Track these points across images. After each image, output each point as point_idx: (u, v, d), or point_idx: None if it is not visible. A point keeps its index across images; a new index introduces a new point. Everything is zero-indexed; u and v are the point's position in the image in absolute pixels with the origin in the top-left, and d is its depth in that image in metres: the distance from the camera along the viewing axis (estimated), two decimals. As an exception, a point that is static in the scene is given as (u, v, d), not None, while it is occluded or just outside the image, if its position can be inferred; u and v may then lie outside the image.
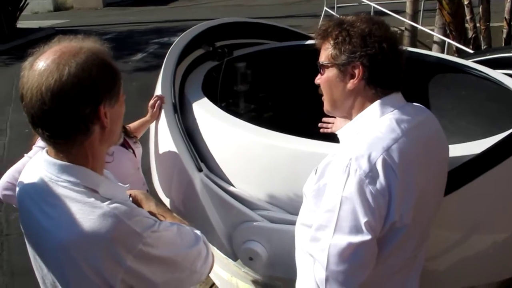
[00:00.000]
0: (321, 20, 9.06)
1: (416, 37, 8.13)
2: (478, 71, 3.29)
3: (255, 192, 2.13)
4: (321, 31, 1.48)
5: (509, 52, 3.34)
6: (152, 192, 2.36)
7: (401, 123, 1.36)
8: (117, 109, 1.21)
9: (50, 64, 1.08)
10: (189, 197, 2.23)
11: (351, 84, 1.42)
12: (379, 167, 1.25)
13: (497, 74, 3.17)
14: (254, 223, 2.00)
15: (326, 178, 1.34)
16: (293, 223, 1.96)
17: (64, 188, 1.13)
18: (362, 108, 1.45)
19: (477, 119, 3.32)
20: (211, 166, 2.25)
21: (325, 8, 8.80)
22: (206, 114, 2.35)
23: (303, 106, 3.45)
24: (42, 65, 1.09)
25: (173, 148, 2.22)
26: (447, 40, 6.47)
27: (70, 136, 1.13)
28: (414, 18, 7.96)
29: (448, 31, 6.82)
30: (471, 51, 5.89)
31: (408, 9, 7.88)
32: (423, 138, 1.41)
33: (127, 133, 2.31)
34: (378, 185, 1.23)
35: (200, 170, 2.15)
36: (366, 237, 1.23)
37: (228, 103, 3.43)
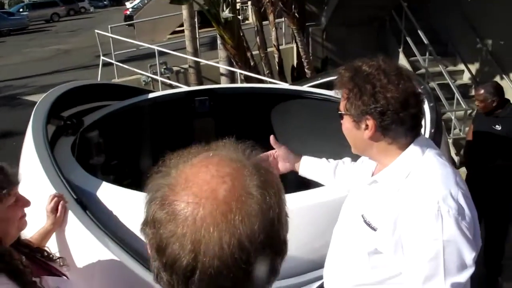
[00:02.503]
0: (100, 72, 8.61)
1: (200, 73, 8.46)
2: (318, 94, 3.60)
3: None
4: (338, 80, 1.47)
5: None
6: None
7: (441, 156, 1.39)
8: None
9: None
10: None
11: (366, 134, 1.42)
12: (462, 201, 1.28)
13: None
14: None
15: (401, 229, 1.31)
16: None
17: None
18: (387, 153, 1.44)
19: (327, 136, 3.64)
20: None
21: (101, 57, 8.41)
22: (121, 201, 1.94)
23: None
24: None
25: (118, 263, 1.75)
26: (242, 71, 6.89)
27: None
28: (195, 55, 8.27)
29: (234, 63, 7.32)
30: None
31: (189, 47, 8.15)
32: None
33: (45, 255, 1.68)
34: (467, 219, 1.27)
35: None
36: (472, 269, 1.27)
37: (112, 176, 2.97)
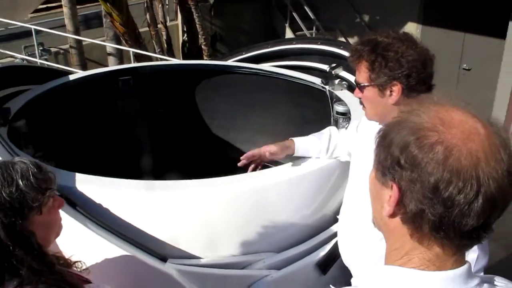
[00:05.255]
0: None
1: (83, 54, 7.84)
2: (245, 69, 3.61)
3: (220, 249, 1.83)
4: (355, 53, 1.58)
5: (265, 48, 3.76)
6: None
7: None
8: None
9: None
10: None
11: (392, 99, 1.56)
12: None
13: (267, 67, 3.58)
14: (268, 279, 1.73)
15: None
16: (296, 257, 1.85)
17: None
18: None
19: (255, 108, 3.68)
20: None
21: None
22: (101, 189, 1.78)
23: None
24: None
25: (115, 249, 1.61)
26: (131, 50, 6.55)
27: None
28: (77, 34, 7.63)
29: (124, 41, 6.94)
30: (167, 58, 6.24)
31: (69, 26, 7.47)
32: None
33: (61, 263, 1.45)
34: None
35: (164, 259, 1.66)
36: None
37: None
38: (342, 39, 8.32)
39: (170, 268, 1.62)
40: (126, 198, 1.74)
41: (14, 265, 1.11)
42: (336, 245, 1.88)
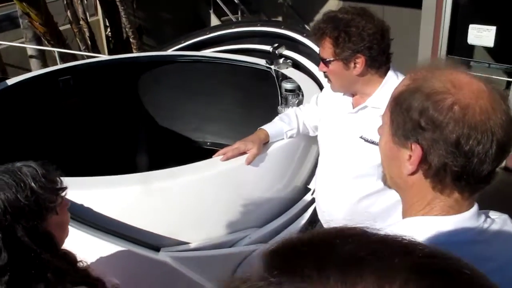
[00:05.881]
0: None
1: (1, 58, 7.36)
2: (186, 57, 3.61)
3: (205, 233, 1.89)
4: (318, 31, 1.68)
5: (204, 35, 3.77)
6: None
7: None
8: None
9: None
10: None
11: (356, 71, 1.68)
12: None
13: (208, 53, 3.61)
14: (257, 252, 1.81)
15: None
16: (278, 229, 1.95)
17: None
18: (369, 83, 1.72)
19: (200, 95, 3.69)
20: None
21: None
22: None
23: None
24: None
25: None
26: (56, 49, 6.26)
27: None
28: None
29: (45, 41, 6.62)
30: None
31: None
32: None
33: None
34: None
35: (157, 249, 1.69)
36: None
37: None
38: (267, 21, 8.47)
39: (164, 256, 1.65)
40: (107, 196, 1.74)
41: (39, 270, 1.11)
42: (314, 211, 2.00)
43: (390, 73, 1.73)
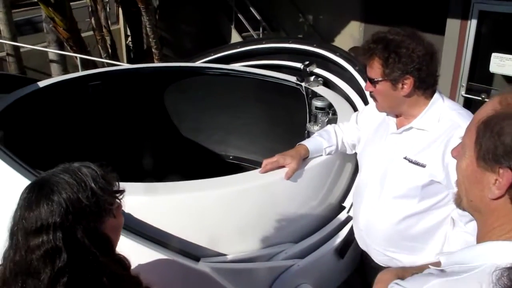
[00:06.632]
0: None
1: (22, 62, 7.44)
2: (215, 70, 3.63)
3: (242, 245, 1.88)
4: (367, 51, 1.70)
5: (235, 49, 3.80)
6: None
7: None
8: None
9: None
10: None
11: (404, 92, 1.70)
12: None
13: (237, 67, 3.62)
14: (295, 268, 1.80)
15: (449, 159, 1.60)
16: (312, 245, 1.94)
17: None
18: (415, 105, 1.73)
19: (226, 109, 3.70)
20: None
21: None
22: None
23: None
24: None
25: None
26: (78, 55, 6.32)
27: None
28: (14, 41, 7.23)
29: (68, 47, 6.69)
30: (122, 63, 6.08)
31: (5, 33, 7.07)
32: None
33: None
34: None
35: (197, 259, 1.68)
36: None
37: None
38: (287, 39, 8.53)
39: (204, 266, 1.64)
40: (150, 203, 1.74)
41: (96, 274, 1.09)
42: (351, 230, 1.99)
43: (436, 95, 1.73)
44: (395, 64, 1.65)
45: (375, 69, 1.70)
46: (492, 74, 5.78)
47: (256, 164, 3.69)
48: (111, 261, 1.15)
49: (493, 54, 5.45)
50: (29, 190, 1.11)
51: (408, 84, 1.67)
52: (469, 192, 0.93)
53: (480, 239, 0.91)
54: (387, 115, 1.85)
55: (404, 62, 1.64)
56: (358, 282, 2.18)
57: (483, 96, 5.56)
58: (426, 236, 1.74)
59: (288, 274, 1.79)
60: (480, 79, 5.94)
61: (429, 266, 0.95)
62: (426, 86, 1.70)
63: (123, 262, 1.20)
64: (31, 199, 1.08)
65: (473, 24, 5.67)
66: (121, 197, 1.21)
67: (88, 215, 1.10)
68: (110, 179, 1.18)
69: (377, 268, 1.86)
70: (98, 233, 1.12)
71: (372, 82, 1.73)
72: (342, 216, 2.11)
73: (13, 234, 1.10)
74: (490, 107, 0.89)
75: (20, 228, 1.08)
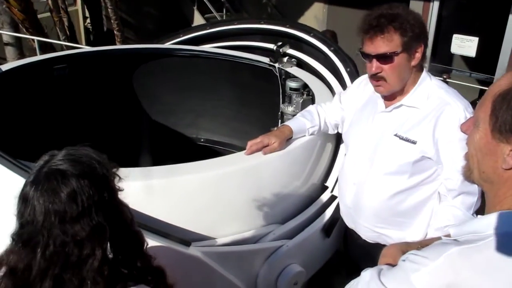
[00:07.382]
0: None
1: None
2: (186, 51, 3.55)
3: (230, 228, 1.87)
4: (377, 26, 1.65)
5: (205, 30, 3.72)
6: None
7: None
8: None
9: None
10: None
11: (414, 61, 1.71)
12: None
13: (208, 49, 3.56)
14: (284, 248, 1.80)
15: (439, 135, 1.67)
16: (299, 225, 1.95)
17: None
18: (416, 78, 1.75)
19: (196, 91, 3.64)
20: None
21: None
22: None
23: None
24: None
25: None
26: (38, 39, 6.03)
27: None
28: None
29: (24, 29, 6.39)
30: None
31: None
32: None
33: None
34: None
35: (188, 244, 1.65)
36: None
37: None
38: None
39: (195, 251, 1.62)
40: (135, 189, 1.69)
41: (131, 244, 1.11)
42: (336, 209, 2.01)
43: (424, 74, 1.76)
44: (412, 31, 1.65)
45: (393, 42, 1.66)
46: (453, 55, 5.95)
47: (228, 147, 3.66)
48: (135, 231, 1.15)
49: (454, 35, 5.61)
50: (35, 187, 1.03)
51: (419, 51, 1.69)
52: (482, 164, 0.95)
53: (491, 208, 0.94)
54: (372, 94, 1.85)
55: (416, 29, 1.66)
56: (342, 260, 2.22)
57: (444, 77, 5.71)
58: (415, 211, 1.78)
59: (278, 255, 1.80)
60: (442, 60, 6.10)
61: (442, 237, 0.98)
62: (425, 55, 1.73)
63: (140, 234, 1.18)
64: (47, 191, 1.01)
65: (435, 6, 5.79)
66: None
67: (109, 183, 1.09)
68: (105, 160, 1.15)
69: (364, 245, 1.90)
70: (119, 201, 1.11)
71: (387, 58, 1.67)
72: (326, 195, 2.12)
73: (35, 233, 1.02)
74: (505, 81, 0.91)
75: (51, 223, 1.01)
